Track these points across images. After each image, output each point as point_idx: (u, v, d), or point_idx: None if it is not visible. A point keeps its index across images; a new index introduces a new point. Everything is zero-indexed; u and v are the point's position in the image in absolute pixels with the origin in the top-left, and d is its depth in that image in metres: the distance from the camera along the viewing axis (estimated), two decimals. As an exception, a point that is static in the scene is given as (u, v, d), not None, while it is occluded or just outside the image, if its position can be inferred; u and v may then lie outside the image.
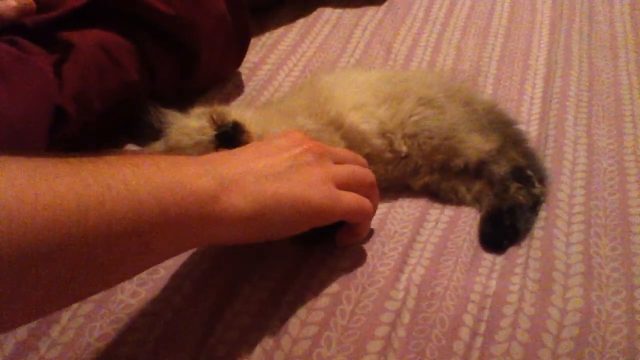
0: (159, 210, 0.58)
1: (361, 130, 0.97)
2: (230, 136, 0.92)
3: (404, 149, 0.98)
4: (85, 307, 0.76)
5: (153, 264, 0.66)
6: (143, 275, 0.80)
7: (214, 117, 0.96)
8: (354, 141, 0.97)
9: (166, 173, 0.61)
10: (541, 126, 1.15)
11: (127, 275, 0.65)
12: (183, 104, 1.06)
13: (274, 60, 1.35)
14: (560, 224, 0.90)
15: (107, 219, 0.53)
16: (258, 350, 0.72)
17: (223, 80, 1.25)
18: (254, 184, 0.69)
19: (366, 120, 0.98)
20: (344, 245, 0.85)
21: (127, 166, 0.58)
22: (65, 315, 0.75)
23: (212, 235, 0.66)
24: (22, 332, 0.72)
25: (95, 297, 0.77)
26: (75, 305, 0.76)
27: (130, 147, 1.01)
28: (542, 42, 1.44)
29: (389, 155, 0.98)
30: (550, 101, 1.21)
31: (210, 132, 0.93)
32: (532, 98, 1.25)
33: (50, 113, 0.89)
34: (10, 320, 0.52)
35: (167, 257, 0.67)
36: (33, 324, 0.73)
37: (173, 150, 0.95)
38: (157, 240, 0.60)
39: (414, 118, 0.99)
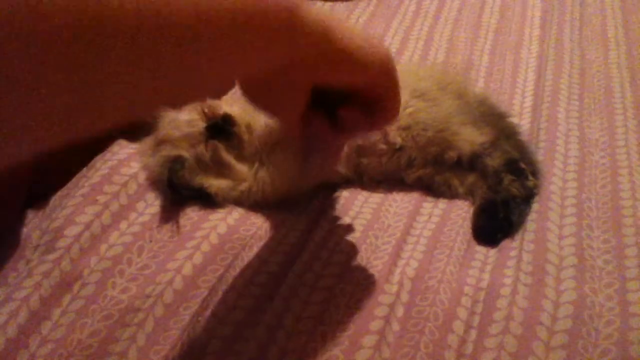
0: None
1: None
2: (220, 128, 0.92)
3: (399, 140, 0.98)
4: (76, 303, 0.75)
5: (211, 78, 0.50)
6: (133, 270, 0.79)
7: (205, 110, 0.95)
8: None
9: None
10: (533, 119, 1.15)
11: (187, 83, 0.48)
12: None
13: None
14: (552, 217, 0.90)
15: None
16: (252, 345, 0.71)
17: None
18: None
19: None
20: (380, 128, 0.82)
21: None
22: (56, 311, 0.74)
23: (287, 44, 0.52)
24: (12, 329, 0.71)
25: (86, 292, 0.76)
26: (65, 301, 0.75)
27: (122, 142, 0.99)
28: (533, 35, 1.44)
29: (383, 147, 0.98)
30: (542, 94, 1.21)
31: (200, 125, 0.93)
32: (523, 91, 1.25)
33: None
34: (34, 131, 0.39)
35: (230, 69, 0.52)
36: (22, 321, 0.72)
37: (163, 143, 0.94)
38: (224, 42, 0.47)
39: (408, 110, 0.99)
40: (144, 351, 0.71)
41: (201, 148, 0.91)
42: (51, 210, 0.87)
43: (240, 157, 0.93)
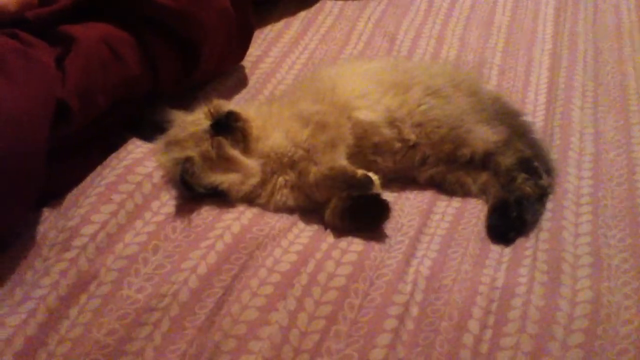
0: None
1: (370, 121, 0.97)
2: (224, 124, 0.92)
3: (413, 137, 0.97)
4: (93, 302, 0.76)
5: None
6: (149, 269, 0.80)
7: (210, 109, 0.96)
8: (363, 132, 0.97)
9: None
10: (547, 117, 1.14)
11: None
12: (186, 99, 1.07)
13: (277, 53, 1.34)
14: (568, 215, 0.90)
15: None
16: (266, 344, 0.71)
17: (226, 74, 1.24)
18: None
19: (373, 109, 0.97)
20: None
21: None
22: (74, 310, 0.75)
23: None
24: (31, 328, 0.72)
25: (103, 291, 0.76)
26: (82, 300, 0.75)
27: (136, 141, 1.00)
28: (546, 32, 1.42)
29: (397, 144, 0.98)
30: (556, 91, 1.20)
31: (205, 123, 0.94)
32: (537, 89, 1.24)
33: (52, 107, 0.88)
34: None
35: None
36: (41, 320, 0.72)
37: (173, 144, 0.95)
38: None
39: (422, 107, 0.98)
40: (161, 350, 0.72)
41: (207, 145, 0.92)
42: (67, 209, 0.88)
43: (248, 152, 0.94)
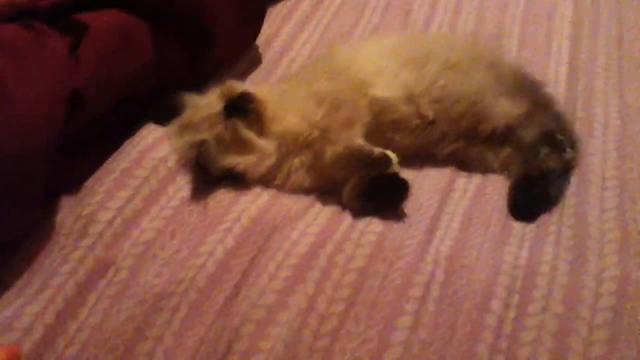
0: None
1: (386, 97, 0.94)
2: (238, 106, 0.91)
3: (431, 113, 0.95)
4: (111, 289, 0.76)
5: None
6: (166, 255, 0.79)
7: (223, 91, 0.95)
8: (380, 110, 0.94)
9: None
10: (569, 88, 1.10)
11: None
12: (200, 82, 1.05)
13: (289, 30, 1.32)
14: (593, 190, 0.87)
15: None
16: (285, 328, 0.71)
17: (238, 57, 1.22)
18: None
19: (389, 86, 0.95)
20: None
21: None
22: (92, 297, 0.75)
23: None
24: (50, 316, 0.72)
25: (120, 278, 0.76)
26: (101, 287, 0.75)
27: (150, 125, 0.99)
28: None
29: (415, 121, 0.95)
30: (578, 62, 1.16)
31: (218, 105, 0.92)
32: (558, 59, 1.20)
33: (66, 97, 0.88)
34: None
35: None
36: (60, 307, 0.72)
37: (187, 127, 0.94)
38: None
39: (440, 82, 0.96)
40: (179, 335, 0.72)
41: (220, 127, 0.90)
42: (83, 197, 0.88)
43: (263, 133, 0.92)
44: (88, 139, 0.96)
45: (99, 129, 0.98)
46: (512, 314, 0.73)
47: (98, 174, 0.91)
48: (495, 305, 0.73)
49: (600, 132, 0.98)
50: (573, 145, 0.94)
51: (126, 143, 0.95)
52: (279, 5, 1.40)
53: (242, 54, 1.22)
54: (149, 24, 1.03)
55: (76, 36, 0.94)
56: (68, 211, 0.86)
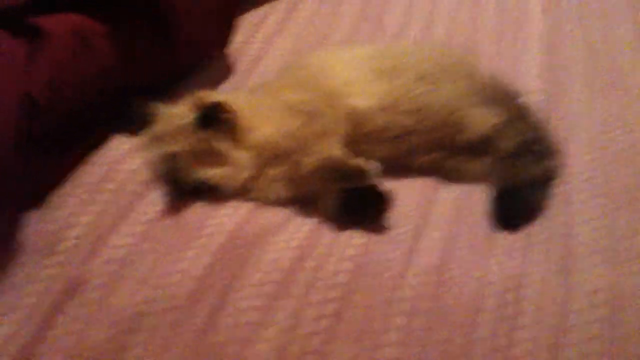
0: None
1: (362, 107, 0.92)
2: (211, 117, 0.88)
3: (408, 124, 0.93)
4: (83, 310, 0.71)
5: None
6: (140, 273, 0.75)
7: (196, 101, 0.91)
8: (356, 120, 0.92)
9: None
10: (545, 97, 1.11)
11: None
12: (170, 89, 1.02)
13: (261, 38, 1.29)
14: (577, 199, 0.87)
15: None
16: (270, 346, 0.68)
17: (210, 63, 1.19)
18: None
19: (366, 96, 0.93)
20: None
21: None
22: (62, 320, 0.70)
23: None
24: (21, 338, 0.67)
25: (93, 297, 0.72)
26: (72, 308, 0.71)
27: (119, 136, 0.95)
28: (537, 9, 1.39)
29: (391, 132, 0.94)
30: (552, 71, 1.17)
31: (190, 116, 0.89)
32: (531, 68, 1.20)
33: (19, 102, 0.83)
34: None
35: None
36: (29, 331, 0.67)
37: (157, 139, 0.90)
38: None
39: (415, 92, 0.94)
40: (158, 357, 0.67)
41: (193, 139, 0.87)
42: (50, 211, 0.82)
43: (238, 144, 0.89)
44: (52, 148, 0.91)
45: (59, 138, 0.93)
46: (505, 326, 0.71)
47: (65, 188, 0.85)
48: (487, 318, 0.72)
49: (580, 140, 0.99)
50: (552, 154, 0.94)
51: (94, 155, 0.90)
52: (251, 14, 1.37)
53: (211, 60, 1.19)
54: (110, 27, 0.99)
55: (31, 40, 0.90)
56: (34, 227, 0.80)
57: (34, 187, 0.87)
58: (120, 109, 0.98)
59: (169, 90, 1.03)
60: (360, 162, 0.86)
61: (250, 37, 1.29)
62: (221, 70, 1.19)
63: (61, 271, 0.74)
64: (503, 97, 1.01)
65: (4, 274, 0.74)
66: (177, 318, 0.71)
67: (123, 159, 0.90)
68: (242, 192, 0.88)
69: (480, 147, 0.94)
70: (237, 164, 0.88)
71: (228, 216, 0.84)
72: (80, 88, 0.93)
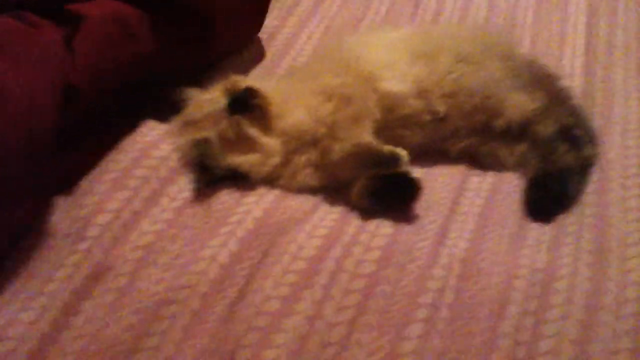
0: None
1: (397, 92, 0.90)
2: (242, 102, 0.87)
3: (443, 108, 0.91)
4: (108, 296, 0.72)
5: None
6: (167, 259, 0.76)
7: (227, 86, 0.91)
8: (390, 105, 0.90)
9: None
10: (587, 81, 1.06)
11: None
12: (201, 75, 1.02)
13: (294, 22, 1.27)
14: (614, 188, 0.83)
15: None
16: (290, 336, 0.67)
17: (241, 49, 1.18)
18: None
19: (400, 80, 0.91)
20: None
21: None
22: (88, 305, 0.71)
23: None
24: (44, 324, 0.69)
25: (118, 284, 0.73)
26: (97, 293, 0.72)
27: (150, 122, 0.96)
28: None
29: (426, 117, 0.91)
30: (595, 52, 1.12)
31: (222, 101, 0.89)
32: (573, 50, 1.15)
33: (61, 90, 0.84)
34: None
35: None
36: (54, 315, 0.69)
37: (189, 124, 0.91)
38: None
39: (452, 76, 0.92)
40: (180, 345, 0.68)
41: (224, 125, 0.87)
42: (79, 197, 0.84)
43: (268, 130, 0.89)
44: (84, 134, 0.93)
45: (96, 123, 0.94)
46: (530, 320, 0.69)
47: (95, 173, 0.87)
48: (512, 311, 0.70)
49: (620, 126, 0.94)
50: (592, 141, 0.90)
51: (125, 141, 0.91)
52: (283, -4, 1.36)
53: (245, 46, 1.18)
54: (148, 14, 0.99)
55: (71, 27, 0.91)
56: (64, 213, 0.82)
57: (67, 173, 0.89)
58: (154, 96, 0.99)
59: (201, 74, 1.04)
60: (392, 148, 0.84)
61: (282, 21, 1.27)
62: (253, 55, 1.18)
63: (88, 258, 0.75)
64: (542, 81, 0.97)
65: (31, 259, 0.76)
66: (199, 306, 0.71)
67: (154, 145, 0.91)
68: (271, 179, 0.88)
69: (518, 132, 0.91)
70: (267, 150, 0.88)
71: (255, 203, 0.84)
72: (120, 74, 0.95)
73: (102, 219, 0.79)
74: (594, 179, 0.85)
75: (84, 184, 0.86)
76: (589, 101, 1.00)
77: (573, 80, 1.07)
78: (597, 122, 0.95)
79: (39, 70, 0.82)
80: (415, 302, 0.70)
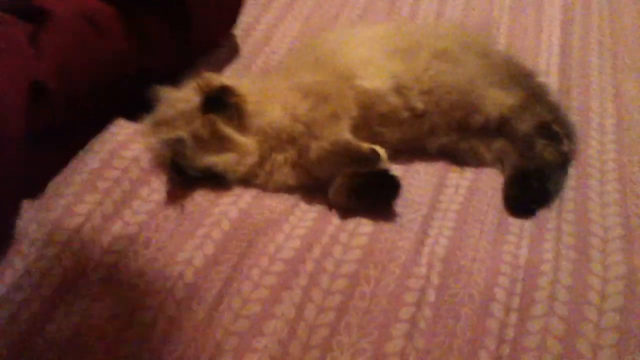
0: None
1: (374, 89, 0.89)
2: (216, 100, 0.85)
3: (421, 105, 0.90)
4: (80, 303, 0.69)
5: None
6: (140, 264, 0.73)
7: (201, 84, 0.89)
8: (368, 102, 0.89)
9: None
10: (563, 77, 1.06)
11: None
12: (174, 73, 0.99)
13: (270, 19, 1.25)
14: (593, 184, 0.83)
15: None
16: (272, 340, 0.65)
17: (217, 45, 1.16)
18: None
19: (378, 77, 0.90)
20: None
21: None
22: (59, 312, 0.68)
23: None
24: (13, 333, 0.66)
25: (91, 290, 0.70)
26: (69, 301, 0.69)
27: (121, 121, 0.92)
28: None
29: (404, 114, 0.90)
30: (571, 50, 1.12)
31: (195, 99, 0.86)
32: (549, 48, 1.15)
33: (27, 89, 0.81)
34: None
35: None
36: (23, 325, 0.66)
37: (161, 124, 0.88)
38: None
39: (430, 72, 0.91)
40: (157, 352, 0.66)
41: (198, 124, 0.85)
42: (48, 200, 0.81)
43: (244, 129, 0.86)
44: (59, 134, 0.89)
45: (71, 122, 0.91)
46: (514, 317, 0.68)
47: (63, 175, 0.84)
48: (496, 308, 0.69)
49: (597, 122, 0.94)
50: (570, 136, 0.90)
51: (94, 141, 0.88)
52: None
53: (222, 39, 1.16)
54: (121, 10, 0.96)
55: (36, 24, 0.87)
56: (31, 217, 0.78)
57: (38, 175, 0.85)
58: (132, 95, 0.96)
59: (173, 72, 1.01)
60: (370, 146, 0.83)
61: (257, 17, 1.25)
62: (228, 52, 1.16)
63: (57, 264, 0.72)
64: (519, 77, 0.97)
65: (1, 266, 0.73)
66: (176, 312, 0.69)
67: (125, 145, 0.88)
68: (247, 179, 0.86)
69: (496, 128, 0.91)
70: (243, 149, 0.86)
71: (231, 204, 0.82)
72: (91, 72, 0.91)
73: (71, 223, 0.76)
74: (572, 174, 0.85)
75: (53, 186, 0.83)
76: (565, 97, 1.00)
77: (550, 76, 1.07)
78: (574, 117, 0.95)
79: (4, 68, 0.79)
80: (397, 301, 0.69)
